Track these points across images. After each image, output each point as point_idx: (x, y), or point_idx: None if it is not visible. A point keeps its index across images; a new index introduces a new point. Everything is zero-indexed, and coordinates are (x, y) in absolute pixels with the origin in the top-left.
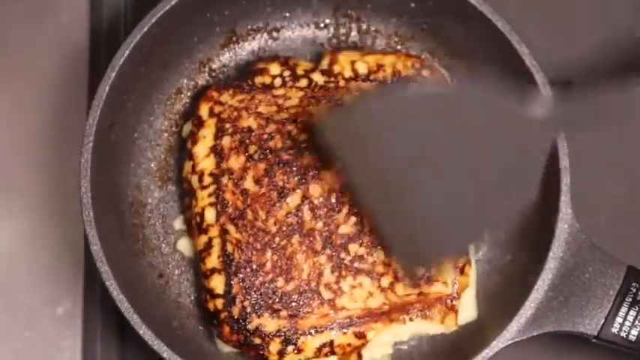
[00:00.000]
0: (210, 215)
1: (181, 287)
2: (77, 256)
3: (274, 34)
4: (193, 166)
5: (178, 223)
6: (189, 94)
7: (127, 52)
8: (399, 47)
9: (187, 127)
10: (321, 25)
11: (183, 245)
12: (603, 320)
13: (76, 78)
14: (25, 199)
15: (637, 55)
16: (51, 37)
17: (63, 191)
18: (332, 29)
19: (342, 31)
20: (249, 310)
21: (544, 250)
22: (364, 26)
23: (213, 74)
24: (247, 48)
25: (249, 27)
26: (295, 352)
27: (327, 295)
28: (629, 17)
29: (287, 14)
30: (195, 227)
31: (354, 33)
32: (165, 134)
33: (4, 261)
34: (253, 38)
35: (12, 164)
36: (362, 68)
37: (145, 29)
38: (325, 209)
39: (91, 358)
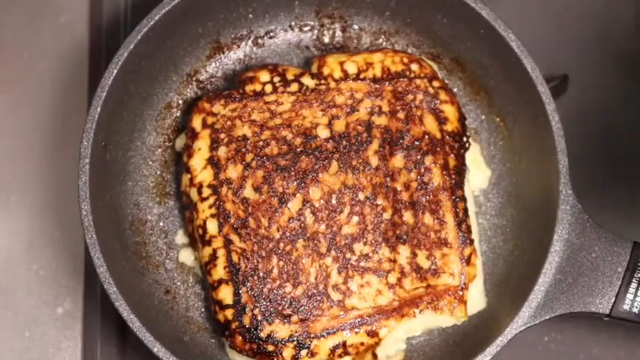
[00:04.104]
0: (212, 227)
1: (189, 301)
2: (77, 256)
3: (259, 40)
4: (191, 179)
5: (180, 238)
6: (179, 107)
7: (115, 70)
8: (384, 44)
9: (180, 141)
10: (305, 28)
11: (185, 256)
12: (614, 298)
13: (76, 78)
14: (25, 199)
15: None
16: (51, 37)
17: (63, 192)
18: (316, 31)
19: (327, 32)
20: (259, 318)
21: (548, 233)
22: (348, 25)
23: (202, 86)
24: (233, 57)
25: (233, 36)
26: (309, 355)
27: (336, 296)
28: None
29: (270, 20)
30: (198, 240)
31: (338, 33)
32: (159, 150)
33: (4, 261)
34: (238, 47)
35: (12, 164)
36: (351, 68)
37: (132, 46)
38: (327, 211)
39: (91, 358)
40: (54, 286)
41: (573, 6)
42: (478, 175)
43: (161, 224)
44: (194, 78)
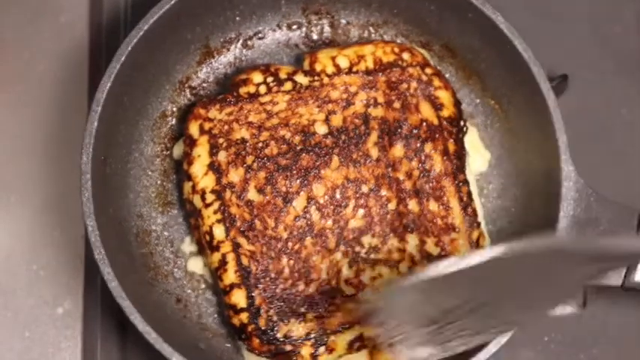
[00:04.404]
0: (219, 232)
1: (201, 308)
2: (77, 256)
3: (248, 42)
4: (193, 187)
5: (186, 246)
6: (173, 115)
7: (109, 84)
8: (373, 35)
9: (178, 149)
10: (293, 26)
11: (194, 265)
12: (625, 269)
13: (76, 78)
14: (25, 199)
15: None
16: (51, 37)
17: (63, 192)
18: (304, 28)
19: (315, 28)
20: (275, 319)
21: (553, 211)
22: (335, 20)
23: (194, 92)
24: (223, 61)
25: (222, 40)
26: (328, 352)
27: (349, 290)
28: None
29: (257, 21)
30: (206, 246)
31: (326, 28)
32: (158, 159)
33: (4, 261)
34: (228, 50)
35: (12, 164)
36: (343, 62)
37: (123, 58)
38: (332, 206)
39: (91, 358)
40: (54, 286)
41: (573, 6)
42: (477, 158)
43: (166, 233)
44: (186, 85)
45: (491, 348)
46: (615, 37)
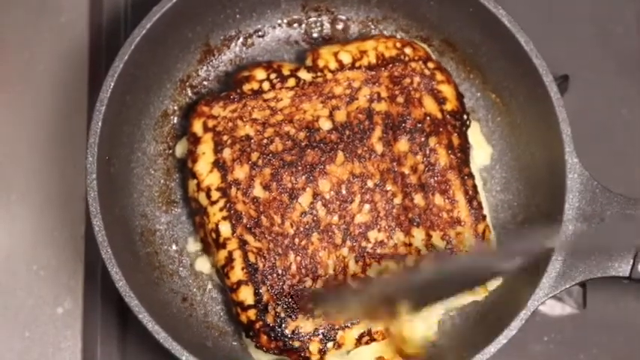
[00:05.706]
0: (225, 229)
1: (207, 307)
2: (77, 256)
3: (248, 40)
4: (198, 184)
5: (191, 244)
6: (175, 114)
7: (112, 82)
8: (372, 31)
9: (180, 148)
10: (293, 23)
11: (202, 265)
12: (632, 260)
13: (76, 78)
14: (25, 198)
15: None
16: (51, 37)
17: (63, 191)
18: (304, 25)
19: (314, 25)
20: (283, 315)
21: (558, 204)
22: (335, 17)
23: (195, 90)
24: (224, 59)
25: (222, 38)
26: (336, 347)
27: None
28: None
29: (257, 18)
30: (212, 244)
31: (326, 25)
32: (160, 158)
33: (4, 261)
34: (228, 48)
35: (12, 164)
36: (345, 58)
37: (126, 57)
38: (338, 202)
39: (91, 358)
40: (54, 286)
41: (573, 6)
42: (479, 152)
43: (170, 232)
44: (187, 83)
45: (491, 349)
46: (616, 38)
